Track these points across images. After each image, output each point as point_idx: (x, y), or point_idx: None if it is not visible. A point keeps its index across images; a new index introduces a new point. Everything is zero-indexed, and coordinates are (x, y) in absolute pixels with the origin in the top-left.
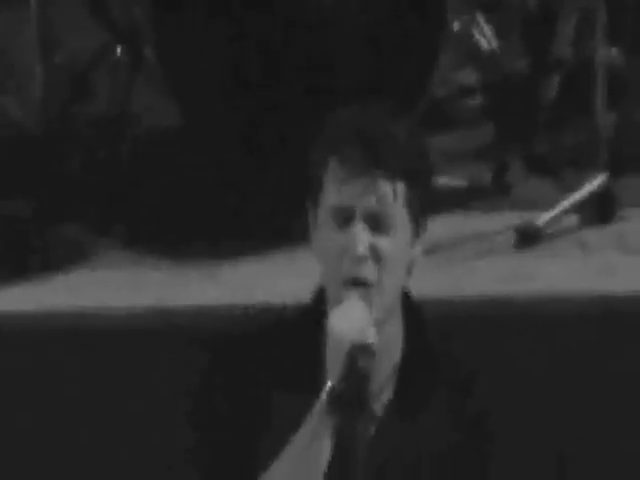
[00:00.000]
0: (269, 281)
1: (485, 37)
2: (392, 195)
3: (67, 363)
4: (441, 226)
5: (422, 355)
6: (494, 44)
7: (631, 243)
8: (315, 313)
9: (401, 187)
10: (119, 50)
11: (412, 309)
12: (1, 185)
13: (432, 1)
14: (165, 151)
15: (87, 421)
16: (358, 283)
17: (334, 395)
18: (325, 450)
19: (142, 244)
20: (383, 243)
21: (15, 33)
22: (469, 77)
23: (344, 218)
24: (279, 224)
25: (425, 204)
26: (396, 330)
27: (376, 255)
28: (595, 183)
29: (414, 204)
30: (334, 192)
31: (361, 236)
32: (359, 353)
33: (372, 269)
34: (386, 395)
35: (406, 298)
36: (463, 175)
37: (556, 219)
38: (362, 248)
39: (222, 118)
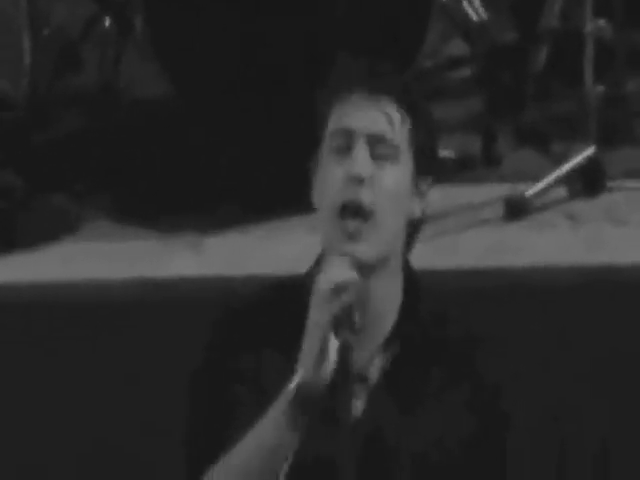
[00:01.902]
0: (258, 252)
1: (474, 8)
2: (392, 120)
3: (54, 334)
4: (429, 197)
5: (416, 332)
6: (483, 15)
7: (619, 215)
8: (311, 281)
9: (402, 116)
10: (108, 21)
11: (412, 279)
12: None
13: None
14: (153, 122)
15: (73, 393)
16: (354, 210)
17: (301, 391)
18: (285, 441)
19: (129, 215)
20: (384, 172)
21: (3, 4)
22: (458, 48)
23: (346, 143)
24: (268, 194)
25: (428, 151)
26: (392, 293)
27: (374, 182)
28: (583, 154)
29: (415, 141)
30: (336, 115)
31: (363, 157)
32: (339, 301)
33: (370, 194)
34: (378, 362)
35: (407, 268)
36: (452, 146)
37: (545, 191)
38: (362, 169)
39: (212, 88)
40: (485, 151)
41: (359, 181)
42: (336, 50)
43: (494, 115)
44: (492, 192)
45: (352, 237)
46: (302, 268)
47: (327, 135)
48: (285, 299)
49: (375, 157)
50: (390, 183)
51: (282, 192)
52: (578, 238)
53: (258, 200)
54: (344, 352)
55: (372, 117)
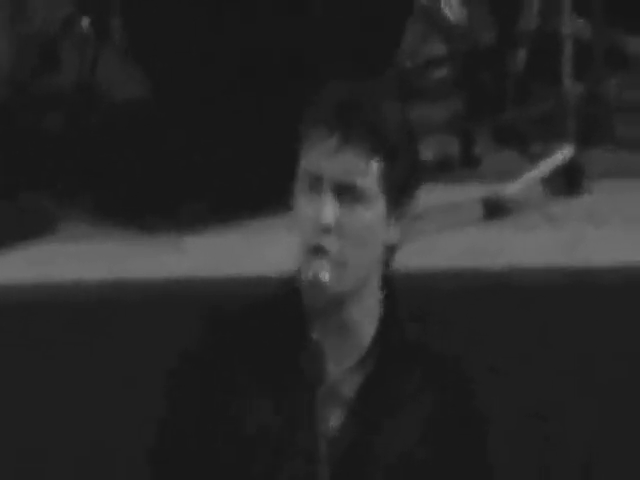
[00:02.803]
0: (239, 252)
1: (452, 9)
2: (363, 168)
3: (32, 335)
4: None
5: (395, 341)
6: (461, 16)
7: (599, 215)
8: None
9: (375, 163)
10: (85, 21)
11: (388, 285)
12: None
13: None
14: (131, 122)
15: (52, 394)
16: (319, 252)
17: None
18: None
19: (109, 215)
20: (353, 217)
21: None
22: (436, 49)
23: (314, 185)
24: (248, 194)
25: (406, 186)
26: (369, 310)
27: (341, 228)
28: (562, 154)
29: (390, 182)
30: (307, 157)
31: (327, 206)
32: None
33: (335, 241)
34: (357, 375)
35: (387, 283)
36: (430, 147)
37: (524, 191)
38: (327, 219)
39: (190, 88)
40: (464, 152)
41: (325, 230)
42: (315, 54)
43: (473, 116)
44: (471, 193)
45: (320, 273)
46: (283, 268)
47: (300, 169)
48: (278, 304)
49: (344, 202)
50: (359, 228)
51: (262, 192)
52: (557, 239)
53: (238, 200)
54: (316, 354)
55: (341, 165)
